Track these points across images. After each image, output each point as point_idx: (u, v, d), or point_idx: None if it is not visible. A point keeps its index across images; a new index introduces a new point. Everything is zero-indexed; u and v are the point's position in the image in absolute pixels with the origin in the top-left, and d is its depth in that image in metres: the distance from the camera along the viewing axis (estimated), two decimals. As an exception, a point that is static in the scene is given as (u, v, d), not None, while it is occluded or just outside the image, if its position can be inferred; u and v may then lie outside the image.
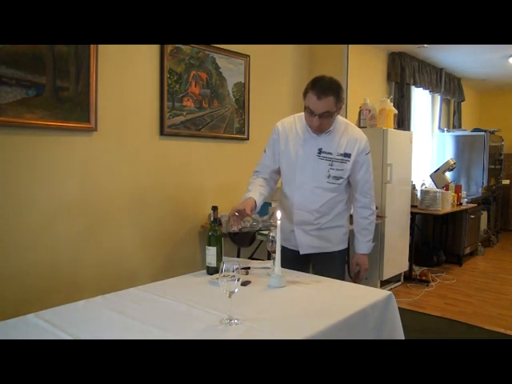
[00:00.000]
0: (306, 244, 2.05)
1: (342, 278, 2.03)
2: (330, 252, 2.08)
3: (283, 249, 2.01)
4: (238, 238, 1.82)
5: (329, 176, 1.97)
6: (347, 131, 2.00)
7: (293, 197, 2.04)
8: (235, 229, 1.83)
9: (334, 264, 2.09)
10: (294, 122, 2.04)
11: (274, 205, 2.66)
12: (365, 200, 2.10)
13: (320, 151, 1.96)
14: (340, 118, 2.02)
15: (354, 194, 2.09)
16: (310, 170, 1.98)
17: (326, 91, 1.81)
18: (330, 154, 1.96)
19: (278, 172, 2.12)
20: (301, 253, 2.06)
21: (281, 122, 2.10)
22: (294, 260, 2.00)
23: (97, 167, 2.57)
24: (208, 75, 3.15)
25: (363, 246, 2.13)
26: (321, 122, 1.87)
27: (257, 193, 1.96)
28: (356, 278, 2.13)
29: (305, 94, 1.88)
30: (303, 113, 1.95)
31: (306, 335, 1.22)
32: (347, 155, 1.97)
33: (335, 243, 2.10)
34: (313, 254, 2.09)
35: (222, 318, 1.32)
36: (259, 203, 1.95)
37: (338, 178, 1.98)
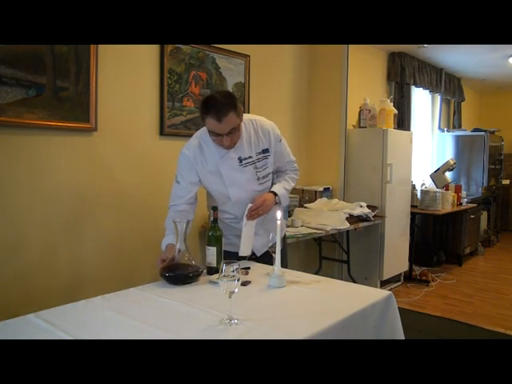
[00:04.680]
0: (260, 244, 2.04)
1: (285, 266, 2.03)
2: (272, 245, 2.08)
3: (228, 254, 1.98)
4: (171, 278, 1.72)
5: (258, 178, 1.97)
6: (255, 127, 1.96)
7: (235, 211, 2.00)
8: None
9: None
10: (201, 144, 1.94)
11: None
12: (292, 168, 2.15)
13: (240, 160, 1.92)
14: (243, 116, 1.93)
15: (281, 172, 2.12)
16: (239, 183, 1.94)
17: (223, 110, 1.71)
18: (251, 157, 1.93)
19: (195, 198, 2.04)
20: (258, 255, 2.06)
21: (187, 148, 1.95)
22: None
23: (97, 167, 2.57)
24: (208, 75, 3.15)
25: (278, 186, 2.02)
26: (231, 138, 1.80)
27: (174, 235, 1.83)
28: (250, 213, 1.90)
29: (202, 118, 1.78)
30: (205, 128, 1.86)
31: (305, 335, 1.22)
32: (266, 151, 1.96)
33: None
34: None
35: (222, 318, 1.32)
36: (181, 247, 1.83)
37: (266, 176, 2.00)
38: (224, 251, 2.00)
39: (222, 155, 1.91)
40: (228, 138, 1.78)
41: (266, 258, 1.96)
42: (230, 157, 1.91)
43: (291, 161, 2.14)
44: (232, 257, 1.93)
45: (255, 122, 1.98)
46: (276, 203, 1.99)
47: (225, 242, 2.02)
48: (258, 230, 2.00)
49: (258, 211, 1.89)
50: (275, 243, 1.69)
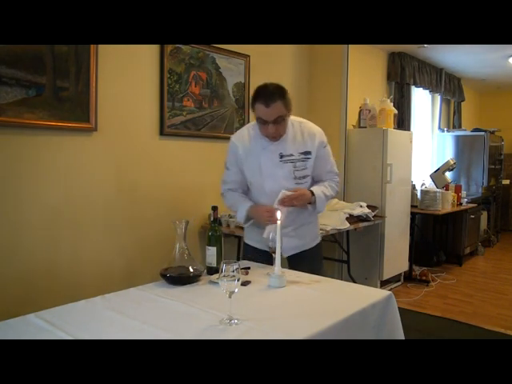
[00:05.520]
0: (288, 247, 2.04)
1: (320, 273, 2.03)
2: (305, 250, 2.10)
3: (257, 251, 2.08)
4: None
5: (295, 177, 1.98)
6: (302, 128, 2.01)
7: (266, 205, 2.02)
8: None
9: (311, 261, 2.10)
10: (249, 133, 2.03)
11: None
12: (332, 178, 2.13)
13: (281, 156, 1.96)
14: (292, 117, 2.01)
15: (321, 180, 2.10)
16: (276, 177, 1.98)
17: (272, 97, 1.81)
18: (292, 155, 1.97)
19: (247, 184, 2.11)
20: (284, 256, 2.07)
21: (235, 136, 2.08)
22: (270, 261, 1.97)
23: (97, 167, 2.57)
24: (208, 75, 3.15)
25: (317, 188, 2.02)
26: (276, 128, 1.87)
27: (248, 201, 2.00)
28: (282, 201, 1.92)
29: (252, 106, 1.87)
30: (255, 122, 1.95)
31: (306, 335, 1.22)
32: (307, 153, 1.99)
33: (309, 240, 2.13)
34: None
35: (222, 318, 1.32)
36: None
37: (303, 177, 2.00)
38: (254, 248, 2.08)
39: (265, 147, 1.96)
40: (274, 126, 1.85)
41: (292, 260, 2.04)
42: (271, 150, 1.96)
43: (333, 172, 2.12)
44: (262, 254, 2.01)
45: (303, 124, 2.03)
46: (310, 203, 1.99)
47: (257, 239, 2.07)
48: (289, 232, 2.02)
49: (291, 201, 1.90)
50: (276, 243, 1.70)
